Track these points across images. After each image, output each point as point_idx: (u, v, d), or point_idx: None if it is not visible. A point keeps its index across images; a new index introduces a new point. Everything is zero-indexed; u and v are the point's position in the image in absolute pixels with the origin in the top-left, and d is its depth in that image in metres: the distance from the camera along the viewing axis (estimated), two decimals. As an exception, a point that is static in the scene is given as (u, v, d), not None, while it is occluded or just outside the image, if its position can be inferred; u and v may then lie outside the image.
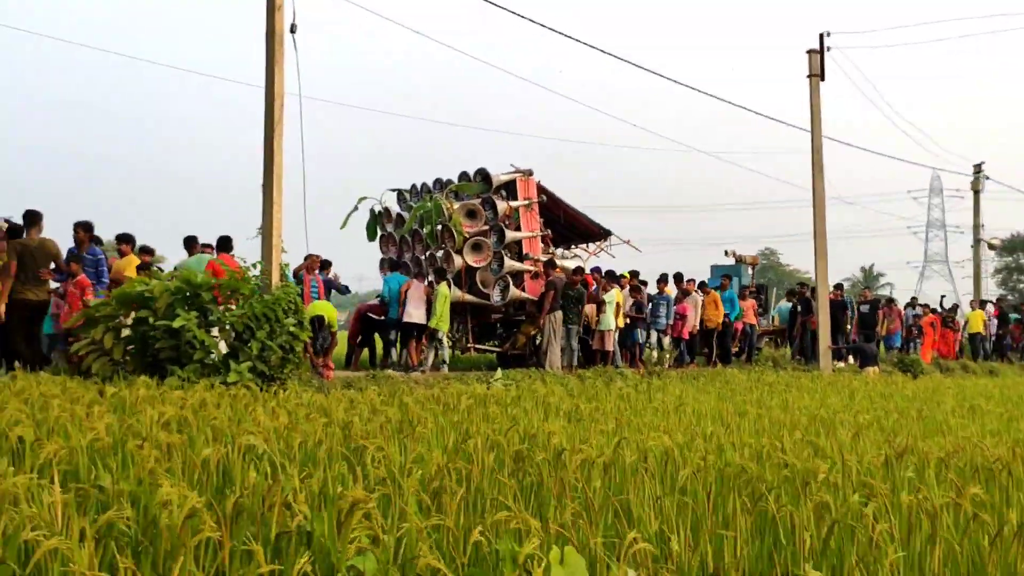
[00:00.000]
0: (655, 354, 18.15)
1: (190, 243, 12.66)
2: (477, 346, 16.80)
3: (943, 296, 28.79)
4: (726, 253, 22.44)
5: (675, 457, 4.90)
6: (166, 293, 9.33)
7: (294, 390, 8.68)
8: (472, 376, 13.85)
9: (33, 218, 10.37)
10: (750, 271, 23.10)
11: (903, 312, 23.01)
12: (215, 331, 9.71)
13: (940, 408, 10.12)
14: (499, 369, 14.18)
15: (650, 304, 17.66)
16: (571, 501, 3.72)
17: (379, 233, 17.18)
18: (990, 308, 26.21)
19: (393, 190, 17.34)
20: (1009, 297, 59.55)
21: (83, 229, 11.46)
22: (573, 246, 18.76)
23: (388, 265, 16.52)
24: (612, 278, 16.83)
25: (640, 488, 4.00)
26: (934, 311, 24.50)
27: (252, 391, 8.42)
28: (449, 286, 15.01)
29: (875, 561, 2.95)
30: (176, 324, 9.02)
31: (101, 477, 3.54)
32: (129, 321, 9.47)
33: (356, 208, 16.36)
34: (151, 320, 9.40)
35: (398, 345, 15.65)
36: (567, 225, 17.70)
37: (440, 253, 15.86)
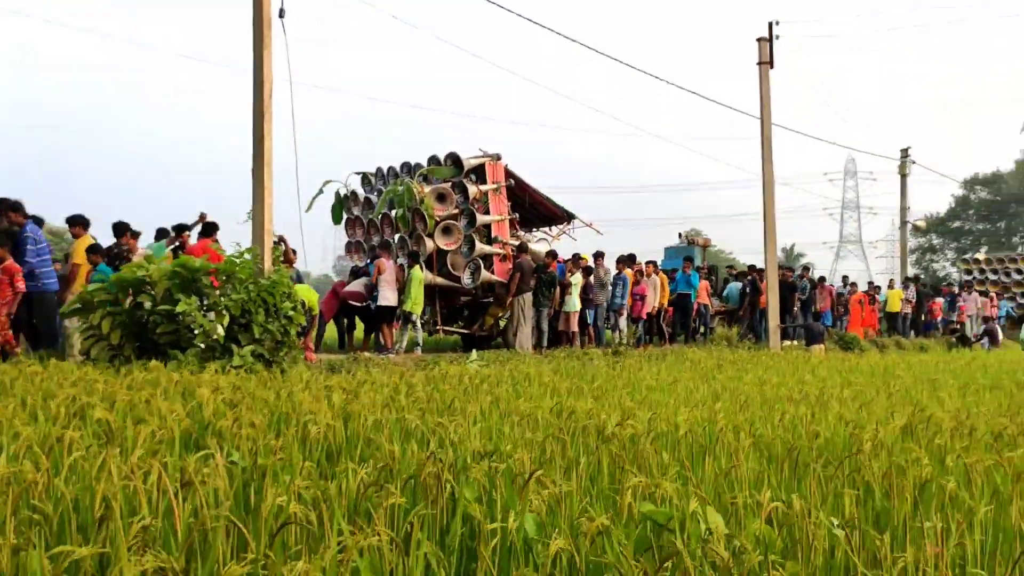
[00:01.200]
0: (615, 335, 18.64)
1: (162, 234, 12.59)
2: (445, 328, 17.02)
3: (845, 276, 30.11)
4: (679, 236, 23.08)
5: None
6: (164, 278, 9.32)
7: (299, 373, 8.80)
8: (445, 357, 14.12)
9: None
10: (701, 253, 23.83)
11: (833, 290, 24.12)
12: (211, 315, 9.72)
13: (901, 382, 10.82)
14: (473, 351, 14.45)
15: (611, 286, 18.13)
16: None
17: (345, 216, 17.21)
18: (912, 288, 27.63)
19: (358, 173, 17.43)
20: (923, 276, 62.57)
21: (11, 210, 10.94)
22: (535, 229, 19.09)
23: (368, 250, 16.59)
24: (575, 261, 17.24)
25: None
26: (865, 291, 25.71)
27: (258, 373, 8.55)
28: (422, 269, 15.20)
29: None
30: (179, 309, 9.03)
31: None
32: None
33: (321, 191, 16.38)
34: (147, 305, 9.40)
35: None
36: (531, 208, 18.04)
37: (411, 236, 16.00)
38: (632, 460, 4.28)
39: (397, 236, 16.43)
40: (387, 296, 14.54)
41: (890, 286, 26.77)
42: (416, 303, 14.80)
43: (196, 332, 9.26)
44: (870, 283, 28.03)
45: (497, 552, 2.65)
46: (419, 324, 15.27)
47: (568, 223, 18.78)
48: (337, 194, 16.91)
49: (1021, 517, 3.34)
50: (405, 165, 16.77)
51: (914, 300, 26.35)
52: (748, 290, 20.86)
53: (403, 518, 2.95)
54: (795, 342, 20.44)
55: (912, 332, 26.15)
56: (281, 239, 14.32)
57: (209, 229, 11.86)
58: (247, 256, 10.09)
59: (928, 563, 2.61)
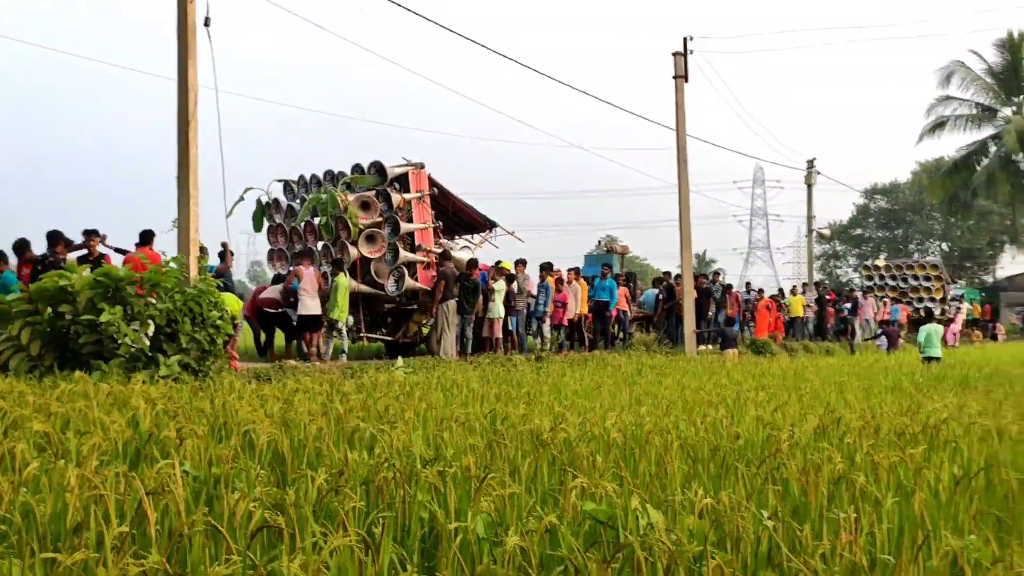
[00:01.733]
0: (536, 341, 18.91)
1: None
2: (369, 335, 17.00)
3: (748, 283, 31.20)
4: (599, 243, 23.56)
5: (641, 434, 5.57)
6: (87, 287, 9.15)
7: (230, 382, 8.77)
8: (371, 365, 14.16)
9: None
10: (620, 260, 24.38)
11: (739, 296, 24.94)
12: (136, 325, 9.59)
13: (811, 385, 11.40)
14: (399, 358, 14.53)
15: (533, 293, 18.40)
16: (599, 473, 4.30)
17: (266, 224, 17.05)
18: (811, 294, 28.79)
19: (280, 181, 17.30)
20: (827, 282, 65.17)
21: None
22: (458, 237, 19.24)
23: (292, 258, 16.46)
24: (498, 269, 17.47)
25: (650, 459, 4.63)
26: (772, 296, 26.69)
27: (187, 383, 8.49)
28: (346, 277, 15.20)
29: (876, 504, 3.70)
30: (103, 319, 8.88)
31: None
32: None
33: (242, 198, 16.18)
34: (68, 315, 9.21)
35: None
36: (454, 216, 18.18)
37: (335, 244, 15.96)
38: (570, 463, 4.52)
39: (320, 244, 16.36)
40: (306, 304, 14.49)
41: (792, 292, 27.74)
42: (342, 311, 14.81)
43: (120, 342, 9.13)
44: (780, 289, 29.14)
45: (457, 550, 2.83)
46: (345, 332, 15.26)
47: (490, 231, 18.97)
48: (259, 201, 16.69)
49: (923, 507, 3.69)
50: (328, 173, 16.71)
51: (815, 305, 27.46)
52: (663, 296, 21.47)
53: (362, 520, 3.10)
54: (710, 347, 21.12)
55: (819, 336, 27.27)
56: (202, 248, 14.15)
57: (146, 237, 11.70)
58: (172, 264, 9.98)
59: (843, 549, 2.90)
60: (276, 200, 17.07)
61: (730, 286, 25.17)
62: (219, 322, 9.87)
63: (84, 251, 12.37)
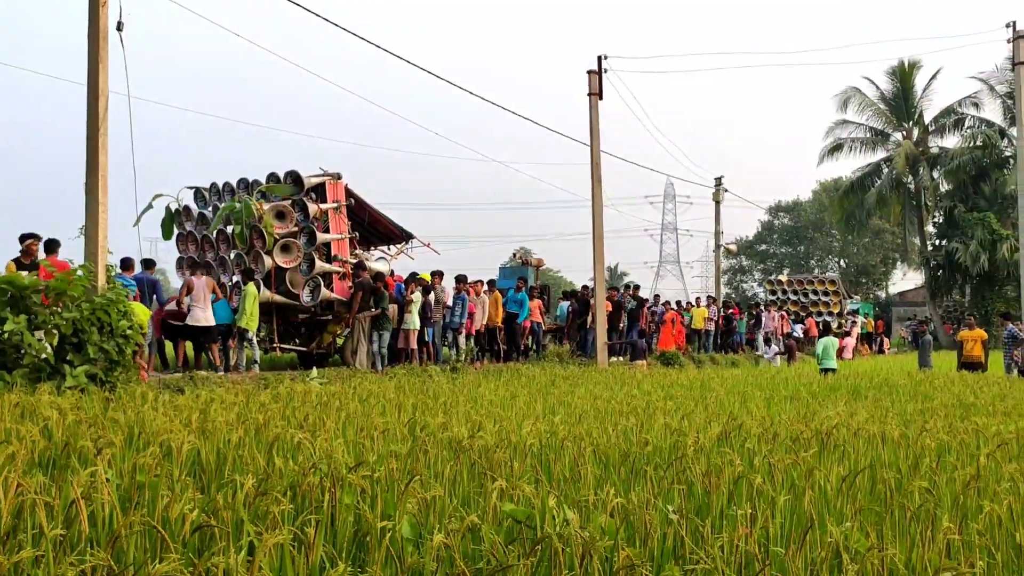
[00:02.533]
0: (452, 352, 19.03)
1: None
2: (282, 346, 16.86)
3: (657, 296, 32.01)
4: (514, 255, 23.86)
5: (555, 442, 5.82)
6: (-11, 295, 8.89)
7: (142, 392, 8.64)
8: (287, 375, 14.07)
9: None
10: (534, 272, 24.75)
11: (646, 309, 25.56)
12: (40, 334, 9.35)
13: (716, 395, 11.90)
14: (313, 368, 14.47)
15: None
16: (518, 476, 4.51)
17: (176, 231, 16.74)
18: (714, 307, 29.68)
19: (191, 188, 17.04)
20: (733, 296, 67.31)
21: None
22: (373, 248, 19.26)
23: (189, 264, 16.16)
24: (414, 279, 17.55)
25: (564, 464, 4.87)
26: (674, 308, 27.38)
27: (95, 394, 8.34)
28: (258, 286, 15.05)
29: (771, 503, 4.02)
30: (7, 328, 8.65)
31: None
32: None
33: (150, 206, 15.78)
34: (-32, 323, 8.93)
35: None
36: (370, 227, 18.22)
37: (249, 254, 15.79)
38: (489, 468, 4.71)
39: (233, 253, 16.17)
40: (196, 316, 14.26)
41: (696, 304, 28.52)
42: (251, 319, 14.65)
43: (24, 352, 8.89)
44: (679, 302, 29.89)
45: (388, 546, 2.99)
46: (255, 341, 15.09)
47: (406, 242, 19.10)
48: (168, 209, 16.41)
49: (811, 504, 4.02)
50: (242, 181, 16.57)
51: (717, 318, 28.29)
52: (575, 309, 21.91)
53: (291, 523, 3.23)
54: (621, 358, 21.65)
55: (722, 349, 28.14)
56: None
57: (51, 246, 11.37)
58: (80, 273, 9.76)
59: (739, 541, 3.18)
60: (187, 207, 16.80)
61: (645, 300, 25.84)
62: (128, 332, 9.70)
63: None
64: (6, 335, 8.80)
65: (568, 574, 2.69)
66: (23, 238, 11.62)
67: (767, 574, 2.82)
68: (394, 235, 18.98)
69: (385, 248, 19.37)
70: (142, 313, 12.92)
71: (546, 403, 9.67)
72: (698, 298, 30.01)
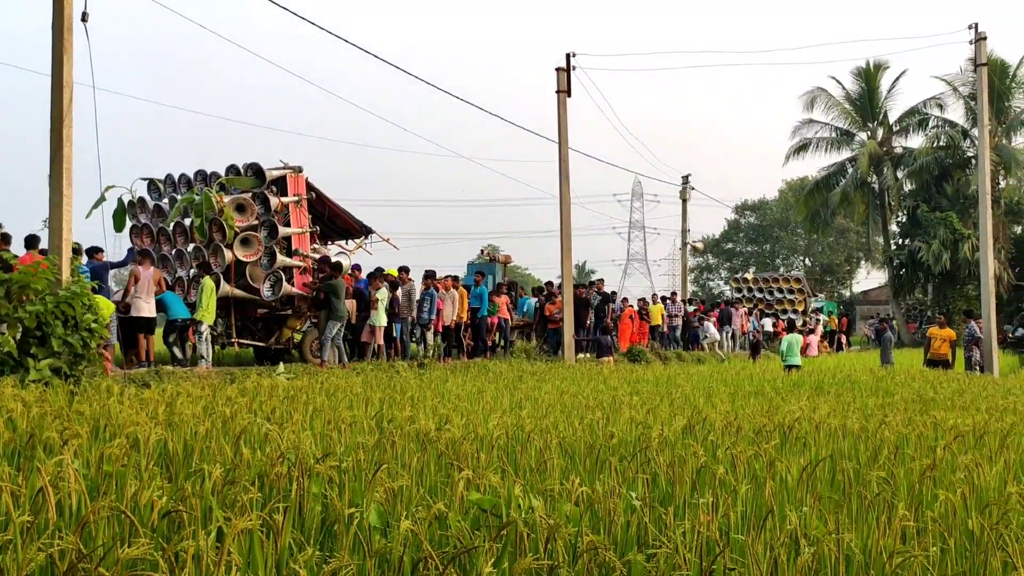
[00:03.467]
0: (419, 348, 18.99)
1: None
2: (241, 340, 16.57)
3: (614, 292, 31.90)
4: (482, 252, 23.88)
5: (522, 434, 5.88)
6: (-50, 287, 8.76)
7: (107, 386, 8.56)
8: (253, 370, 14.00)
9: None
10: (503, 269, 24.78)
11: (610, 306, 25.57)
12: (3, 328, 9.23)
13: (682, 391, 12.04)
14: (280, 364, 14.37)
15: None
16: (485, 467, 4.55)
17: (130, 223, 16.33)
18: (680, 303, 29.77)
19: (145, 179, 16.79)
20: (699, 293, 67.95)
21: None
22: (331, 242, 19.04)
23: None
24: (379, 275, 17.45)
25: (530, 456, 4.93)
26: (631, 305, 27.38)
27: (59, 387, 8.25)
28: (216, 280, 14.88)
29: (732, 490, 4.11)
30: (-32, 320, 8.52)
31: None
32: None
33: (104, 198, 14.96)
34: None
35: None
36: (330, 221, 17.99)
37: (208, 247, 15.59)
38: (456, 459, 4.75)
39: (191, 246, 15.94)
40: (139, 306, 14.11)
41: (653, 301, 28.28)
42: (207, 312, 14.45)
43: (-14, 345, 8.77)
44: (642, 299, 29.88)
45: (352, 534, 3.02)
46: (207, 336, 14.76)
47: (366, 237, 18.89)
48: (121, 200, 15.68)
49: (772, 494, 4.12)
50: (199, 173, 16.34)
51: (679, 315, 28.37)
52: (541, 305, 21.99)
53: (259, 511, 3.25)
54: (588, 355, 21.78)
55: (682, 345, 28.11)
56: (76, 249, 13.60)
57: (32, 242, 11.26)
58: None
59: (701, 528, 3.26)
60: (142, 199, 16.55)
61: (613, 294, 25.90)
62: (93, 325, 9.60)
63: None
64: (-32, 328, 8.67)
65: (532, 558, 2.74)
66: None
67: (727, 557, 2.90)
68: (353, 230, 18.78)
69: (343, 243, 19.22)
70: (106, 307, 12.77)
71: (513, 398, 9.72)
72: (654, 295, 29.86)
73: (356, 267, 18.24)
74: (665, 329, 27.44)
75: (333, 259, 17.35)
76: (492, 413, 7.55)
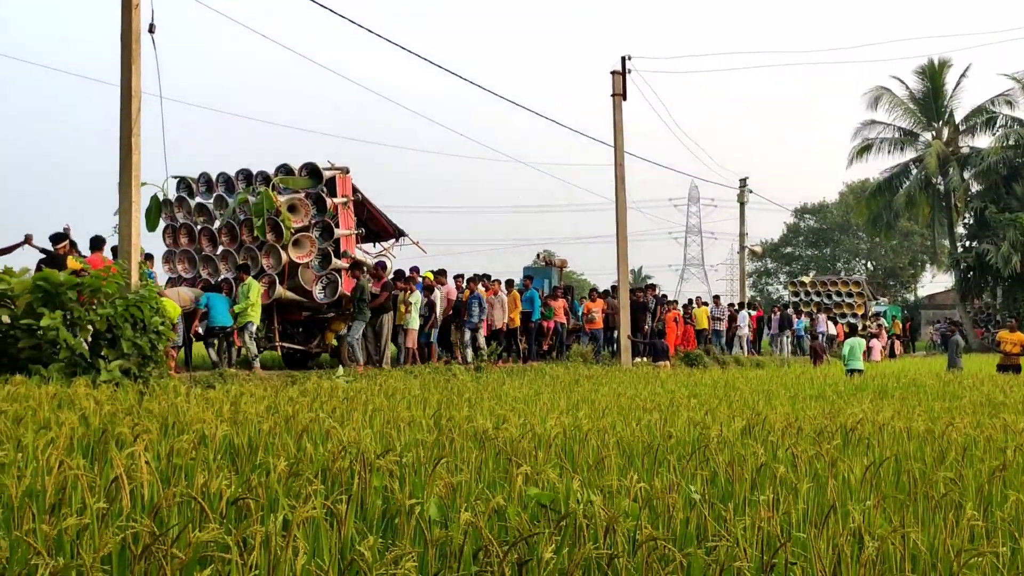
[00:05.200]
0: (468, 352, 18.85)
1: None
2: (283, 344, 16.21)
3: (664, 295, 31.10)
4: (538, 256, 23.89)
5: (579, 434, 5.88)
6: (26, 292, 9.11)
7: (175, 386, 8.81)
8: (313, 373, 14.22)
9: None
10: (559, 273, 24.75)
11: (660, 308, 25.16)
12: (76, 330, 9.56)
13: (740, 393, 11.90)
14: (340, 367, 14.54)
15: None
16: (543, 464, 4.58)
17: (163, 223, 15.87)
18: (724, 306, 29.15)
19: (175, 177, 16.19)
20: (758, 298, 66.92)
21: None
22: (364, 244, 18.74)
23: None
24: (411, 278, 17.20)
25: (588, 454, 4.93)
26: (677, 308, 26.80)
27: (129, 387, 8.51)
28: (274, 283, 14.83)
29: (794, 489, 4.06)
30: (43, 323, 8.85)
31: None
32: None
33: None
34: (5, 318, 9.16)
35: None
36: (366, 224, 17.57)
37: (261, 248, 15.23)
38: (514, 455, 4.78)
39: (238, 247, 15.50)
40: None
41: (697, 304, 27.49)
42: (255, 311, 14.34)
43: (60, 347, 9.10)
44: (690, 300, 29.15)
45: (414, 524, 3.07)
46: (250, 338, 14.55)
47: (397, 240, 18.52)
48: (155, 198, 14.63)
49: (835, 492, 4.06)
50: (242, 172, 16.00)
51: (723, 317, 27.87)
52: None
53: (321, 500, 3.32)
54: (645, 359, 21.63)
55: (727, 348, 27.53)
56: (147, 255, 13.94)
57: (97, 243, 11.64)
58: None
59: (762, 523, 3.23)
60: (181, 198, 16.09)
61: (665, 297, 25.65)
62: (160, 328, 9.89)
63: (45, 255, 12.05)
64: (42, 331, 8.99)
65: (592, 547, 2.76)
66: (53, 239, 11.88)
67: (787, 550, 2.87)
68: (386, 232, 18.36)
69: (372, 245, 18.72)
70: (172, 309, 13.11)
71: (570, 400, 9.72)
72: (698, 297, 29.16)
73: (380, 265, 17.55)
74: (711, 333, 27.00)
75: (374, 261, 17.35)
76: (549, 414, 7.57)
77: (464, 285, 18.86)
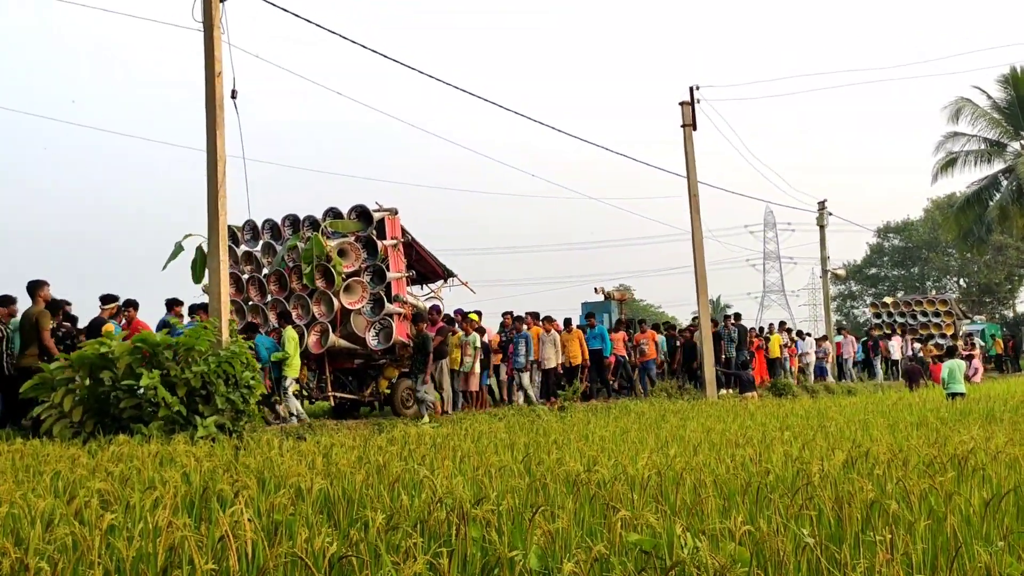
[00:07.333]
0: (518, 394, 18.08)
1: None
2: (336, 394, 15.50)
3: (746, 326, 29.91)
4: (596, 290, 23.64)
5: (673, 473, 5.74)
6: (126, 353, 9.46)
7: (268, 440, 8.97)
8: (401, 420, 14.28)
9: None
10: (618, 306, 24.32)
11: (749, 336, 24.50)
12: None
13: (835, 423, 11.49)
14: (425, 415, 14.51)
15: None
16: (639, 508, 4.47)
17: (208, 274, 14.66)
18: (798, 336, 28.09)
19: None
20: (844, 322, 64.94)
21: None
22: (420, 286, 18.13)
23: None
24: (465, 319, 16.80)
25: (691, 492, 4.81)
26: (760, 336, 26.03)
27: (224, 442, 8.70)
28: (301, 333, 14.21)
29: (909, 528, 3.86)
30: (143, 383, 9.16)
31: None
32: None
33: (181, 248, 13.98)
34: (107, 380, 9.51)
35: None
36: (415, 265, 16.92)
37: (311, 295, 14.79)
38: (609, 500, 4.69)
39: (286, 295, 15.06)
40: None
41: (770, 331, 26.53)
42: (293, 367, 13.86)
43: (159, 405, 9.38)
44: (761, 328, 28.09)
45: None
46: (290, 392, 13.95)
47: (445, 281, 17.93)
48: (200, 249, 13.90)
49: (955, 529, 3.84)
50: (288, 218, 15.62)
51: (809, 352, 26.90)
52: (677, 344, 21.61)
53: (423, 554, 3.30)
54: (730, 391, 21.16)
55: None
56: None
57: (173, 304, 12.10)
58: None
59: (881, 566, 3.07)
60: (230, 246, 14.88)
61: (749, 329, 25.03)
62: (252, 383, 10.12)
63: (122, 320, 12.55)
64: (142, 391, 9.31)
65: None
66: (125, 305, 12.38)
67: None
68: (435, 273, 17.74)
69: (419, 287, 18.05)
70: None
71: (659, 437, 9.54)
72: (771, 324, 28.27)
73: (435, 309, 17.05)
74: (790, 363, 26.01)
75: (426, 303, 16.82)
76: (639, 453, 7.43)
77: (511, 324, 18.32)
